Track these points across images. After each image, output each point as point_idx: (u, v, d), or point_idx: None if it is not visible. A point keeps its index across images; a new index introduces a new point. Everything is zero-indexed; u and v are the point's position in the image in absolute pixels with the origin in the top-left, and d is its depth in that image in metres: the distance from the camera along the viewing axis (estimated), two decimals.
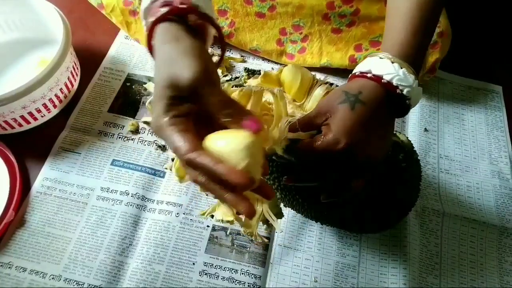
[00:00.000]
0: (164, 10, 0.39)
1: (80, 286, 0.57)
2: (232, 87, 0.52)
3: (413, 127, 0.75)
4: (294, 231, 0.63)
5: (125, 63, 0.79)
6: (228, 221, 0.47)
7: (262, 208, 0.48)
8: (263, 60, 0.82)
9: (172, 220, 0.62)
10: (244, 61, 0.82)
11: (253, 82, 0.56)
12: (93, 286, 0.57)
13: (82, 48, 0.80)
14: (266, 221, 0.51)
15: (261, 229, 0.63)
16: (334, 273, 0.60)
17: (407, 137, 0.55)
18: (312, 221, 0.64)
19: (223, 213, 0.48)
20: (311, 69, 0.80)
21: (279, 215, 0.47)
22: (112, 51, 0.81)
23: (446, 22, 0.73)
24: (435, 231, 0.65)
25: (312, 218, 0.57)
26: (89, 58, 0.79)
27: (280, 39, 0.79)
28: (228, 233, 0.62)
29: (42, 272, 0.57)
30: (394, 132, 0.54)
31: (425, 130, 0.74)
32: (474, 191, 0.69)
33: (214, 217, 0.48)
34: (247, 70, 0.78)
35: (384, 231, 0.62)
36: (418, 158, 0.57)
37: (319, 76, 0.80)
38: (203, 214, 0.49)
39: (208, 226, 0.62)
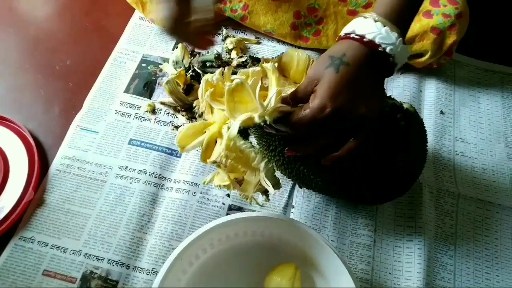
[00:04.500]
0: None
1: (99, 260, 0.58)
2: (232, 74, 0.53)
3: (429, 109, 0.74)
4: (310, 211, 0.64)
5: (140, 44, 0.79)
6: (225, 186, 0.50)
7: (260, 177, 0.50)
8: (277, 42, 0.81)
9: (189, 199, 0.63)
10: (258, 43, 0.81)
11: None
12: (112, 261, 0.58)
13: (97, 28, 0.80)
14: (264, 192, 0.52)
15: (270, 207, 0.63)
16: (349, 252, 0.61)
17: (411, 105, 0.55)
18: (326, 202, 0.64)
19: (221, 179, 0.50)
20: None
21: (277, 185, 0.49)
22: (127, 32, 0.81)
23: (464, 3, 0.72)
24: (450, 212, 0.65)
25: (320, 190, 0.57)
26: (104, 39, 0.79)
27: (294, 23, 0.78)
28: (244, 211, 0.63)
29: (63, 247, 0.58)
30: (400, 102, 0.54)
31: (441, 112, 0.74)
32: (490, 173, 0.69)
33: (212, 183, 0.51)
34: (251, 57, 0.77)
35: (395, 198, 0.61)
36: (423, 121, 0.57)
37: None
38: (204, 182, 0.52)
39: (224, 204, 0.63)
